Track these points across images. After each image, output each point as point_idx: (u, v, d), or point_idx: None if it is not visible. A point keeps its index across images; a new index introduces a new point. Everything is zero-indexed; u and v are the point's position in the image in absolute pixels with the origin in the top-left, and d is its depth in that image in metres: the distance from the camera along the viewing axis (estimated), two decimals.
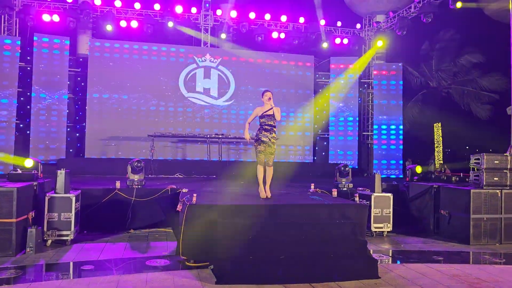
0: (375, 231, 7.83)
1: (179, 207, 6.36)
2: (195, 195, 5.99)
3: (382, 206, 7.84)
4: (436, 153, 19.59)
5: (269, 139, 6.55)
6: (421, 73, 19.84)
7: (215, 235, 5.30)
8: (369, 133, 16.97)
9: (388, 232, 7.92)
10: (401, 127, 16.18)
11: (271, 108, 6.55)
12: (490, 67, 18.91)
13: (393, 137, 16.07)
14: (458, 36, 19.20)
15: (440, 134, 19.77)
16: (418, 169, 9.53)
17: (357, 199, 7.58)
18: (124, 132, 14.39)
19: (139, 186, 8.08)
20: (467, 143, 25.24)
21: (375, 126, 16.30)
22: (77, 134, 14.71)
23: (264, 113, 6.57)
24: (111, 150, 14.23)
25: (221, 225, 5.38)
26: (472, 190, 7.36)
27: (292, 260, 5.04)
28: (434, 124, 19.88)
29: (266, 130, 6.57)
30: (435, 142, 19.80)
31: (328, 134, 16.34)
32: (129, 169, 8.17)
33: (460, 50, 19.38)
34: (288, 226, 5.62)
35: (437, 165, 18.82)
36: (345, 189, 8.68)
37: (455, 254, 6.70)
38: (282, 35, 15.96)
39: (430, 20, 13.89)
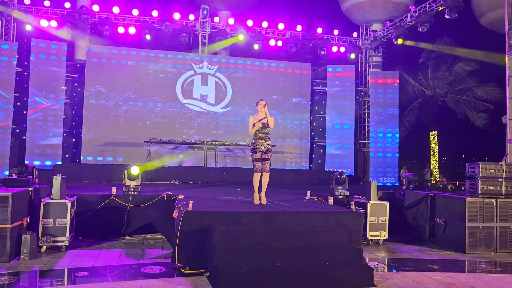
0: (371, 239, 7.84)
1: (175, 214, 6.36)
2: (191, 201, 5.97)
3: (378, 214, 7.86)
4: (432, 161, 19.68)
5: (264, 146, 6.63)
6: (417, 81, 19.94)
7: (210, 242, 5.29)
8: (366, 141, 17.02)
9: (384, 240, 7.93)
10: (397, 135, 16.25)
11: (265, 117, 6.60)
12: (486, 77, 19.03)
13: (389, 145, 16.12)
14: (453, 44, 19.32)
15: (436, 142, 19.89)
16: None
17: (353, 207, 7.58)
18: (120, 138, 14.38)
19: (135, 193, 8.05)
20: (463, 151, 25.42)
21: (371, 134, 16.35)
22: (74, 140, 14.68)
23: (259, 121, 6.62)
24: (107, 156, 14.20)
25: (217, 232, 5.37)
26: (467, 199, 7.39)
27: (288, 268, 5.03)
28: (430, 133, 20.01)
29: (260, 138, 6.65)
30: (431, 150, 19.90)
31: (324, 142, 16.38)
32: (126, 175, 8.14)
33: (455, 59, 19.50)
34: (284, 234, 5.62)
35: (433, 173, 18.92)
36: (341, 196, 8.68)
37: (450, 262, 6.70)
38: (280, 43, 16.03)
39: (426, 29, 14.00)
